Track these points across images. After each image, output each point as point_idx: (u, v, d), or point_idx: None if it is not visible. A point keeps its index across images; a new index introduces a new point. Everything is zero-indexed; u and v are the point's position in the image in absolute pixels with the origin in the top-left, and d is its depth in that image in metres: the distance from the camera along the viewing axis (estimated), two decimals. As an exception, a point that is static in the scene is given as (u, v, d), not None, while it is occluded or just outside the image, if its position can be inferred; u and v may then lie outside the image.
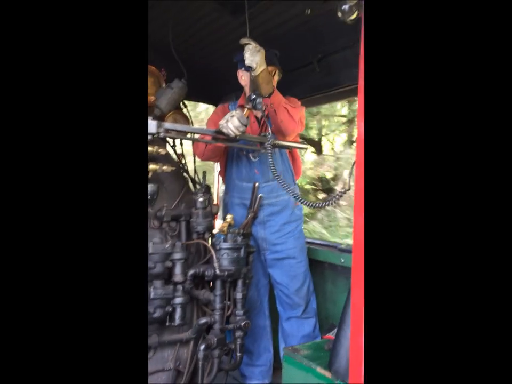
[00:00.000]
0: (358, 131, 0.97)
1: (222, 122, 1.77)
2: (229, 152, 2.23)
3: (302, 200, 1.60)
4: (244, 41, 1.76)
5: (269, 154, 1.74)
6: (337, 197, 1.38)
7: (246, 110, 1.83)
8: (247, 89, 2.13)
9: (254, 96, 1.76)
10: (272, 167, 1.69)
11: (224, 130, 1.76)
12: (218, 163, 2.39)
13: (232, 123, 1.74)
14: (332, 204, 1.38)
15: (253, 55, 1.74)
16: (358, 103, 1.02)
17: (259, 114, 2.12)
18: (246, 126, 1.77)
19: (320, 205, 1.46)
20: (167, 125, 1.64)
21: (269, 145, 1.76)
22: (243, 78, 2.11)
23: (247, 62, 1.76)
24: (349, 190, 1.19)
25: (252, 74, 1.79)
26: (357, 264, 1.01)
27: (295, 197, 1.68)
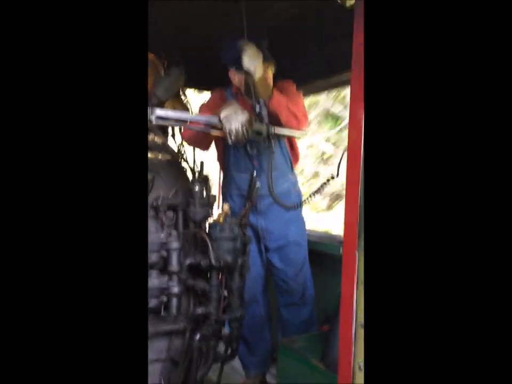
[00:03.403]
0: (350, 117, 0.94)
1: (225, 122, 1.71)
2: (225, 141, 2.20)
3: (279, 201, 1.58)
4: (241, 45, 1.72)
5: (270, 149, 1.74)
6: (325, 184, 1.37)
7: (250, 122, 1.78)
8: (241, 88, 2.07)
9: (259, 107, 1.74)
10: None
11: (226, 129, 1.72)
12: (216, 150, 2.35)
13: (236, 135, 1.70)
14: (321, 192, 1.38)
15: (251, 60, 1.71)
16: (351, 89, 0.98)
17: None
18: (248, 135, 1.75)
19: (312, 194, 1.45)
20: (159, 111, 1.61)
21: (272, 133, 1.74)
22: (236, 79, 2.05)
23: (245, 67, 1.72)
24: (337, 176, 1.18)
25: (250, 79, 1.75)
26: (348, 255, 0.99)
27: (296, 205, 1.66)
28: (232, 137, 1.70)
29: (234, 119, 1.69)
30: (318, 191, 1.39)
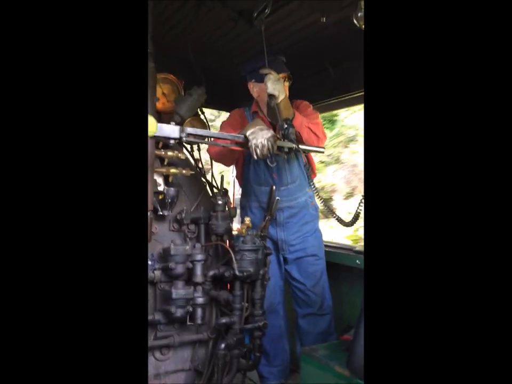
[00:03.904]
0: (364, 134, 1.01)
1: (251, 138, 1.80)
2: (246, 156, 2.29)
3: (344, 223, 1.66)
4: (264, 71, 1.86)
5: (305, 165, 1.88)
6: (360, 205, 1.45)
7: (276, 139, 1.87)
8: (259, 101, 2.20)
9: (286, 126, 1.83)
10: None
11: (251, 148, 1.80)
12: (235, 167, 2.44)
13: (262, 150, 1.78)
14: (359, 212, 1.46)
15: (274, 84, 1.85)
16: (364, 109, 1.05)
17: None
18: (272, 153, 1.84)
19: (355, 221, 1.53)
20: (189, 129, 1.70)
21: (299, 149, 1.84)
22: (255, 90, 2.17)
23: (269, 91, 1.86)
24: None
25: (274, 101, 1.88)
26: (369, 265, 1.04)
27: (339, 221, 1.72)
28: (258, 152, 1.77)
29: (260, 135, 1.78)
30: (357, 214, 1.50)
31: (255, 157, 1.80)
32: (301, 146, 1.87)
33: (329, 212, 1.69)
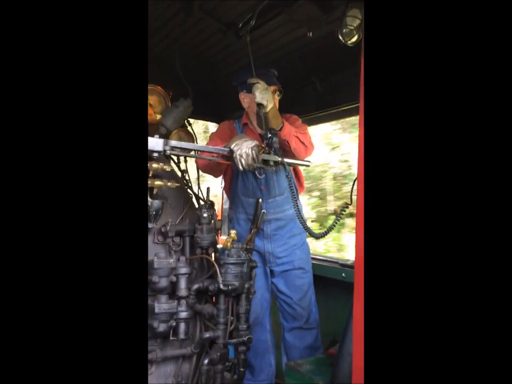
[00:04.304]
0: (359, 146, 1.01)
1: (236, 149, 1.80)
2: (234, 168, 2.28)
3: (314, 235, 1.63)
4: (252, 80, 1.88)
5: (287, 175, 1.83)
6: (339, 216, 1.43)
7: (261, 149, 1.88)
8: (250, 112, 2.20)
9: (270, 135, 1.84)
10: (292, 191, 1.78)
11: (236, 159, 1.80)
12: (223, 179, 2.43)
13: (246, 159, 1.78)
14: (335, 225, 1.44)
15: (262, 93, 1.86)
16: (359, 121, 1.06)
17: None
18: (258, 164, 1.83)
19: (326, 233, 1.51)
20: (173, 142, 1.69)
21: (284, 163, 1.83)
22: (245, 100, 2.17)
23: (257, 100, 1.87)
24: (350, 204, 1.24)
25: (262, 110, 1.89)
26: (358, 279, 1.04)
27: (309, 232, 1.69)
28: (243, 162, 1.77)
29: (244, 146, 1.78)
30: (337, 217, 1.47)
31: (240, 167, 1.79)
32: (287, 160, 1.87)
33: (301, 222, 1.67)
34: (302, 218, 1.64)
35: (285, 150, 2.00)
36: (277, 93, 2.13)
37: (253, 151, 1.78)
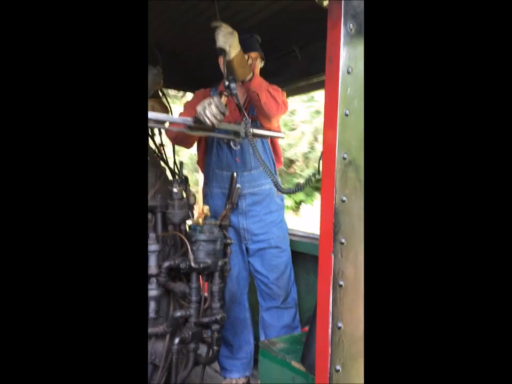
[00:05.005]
0: (325, 117, 0.93)
1: (199, 109, 1.70)
2: (208, 140, 2.18)
3: (281, 189, 1.53)
4: (215, 24, 1.66)
5: (252, 143, 1.67)
6: (308, 181, 1.36)
7: (224, 97, 1.77)
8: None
9: (228, 82, 1.69)
10: (258, 156, 1.61)
11: (201, 117, 1.70)
12: (197, 152, 2.33)
13: (209, 111, 1.67)
14: (303, 188, 1.38)
15: (226, 37, 1.64)
16: (325, 89, 0.97)
17: (242, 100, 2.06)
18: (224, 114, 1.71)
19: (295, 190, 1.43)
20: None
21: (250, 134, 1.71)
22: (221, 63, 2.05)
23: (219, 45, 1.65)
24: (319, 174, 1.17)
25: (226, 58, 1.69)
26: (324, 257, 0.97)
27: (276, 186, 1.59)
28: (208, 114, 1.66)
29: (207, 103, 1.68)
30: (302, 186, 1.39)
31: (208, 121, 1.68)
32: (256, 131, 1.77)
33: (268, 174, 1.54)
34: (268, 169, 1.53)
35: (256, 105, 1.89)
36: (259, 59, 2.03)
37: (215, 98, 1.67)
